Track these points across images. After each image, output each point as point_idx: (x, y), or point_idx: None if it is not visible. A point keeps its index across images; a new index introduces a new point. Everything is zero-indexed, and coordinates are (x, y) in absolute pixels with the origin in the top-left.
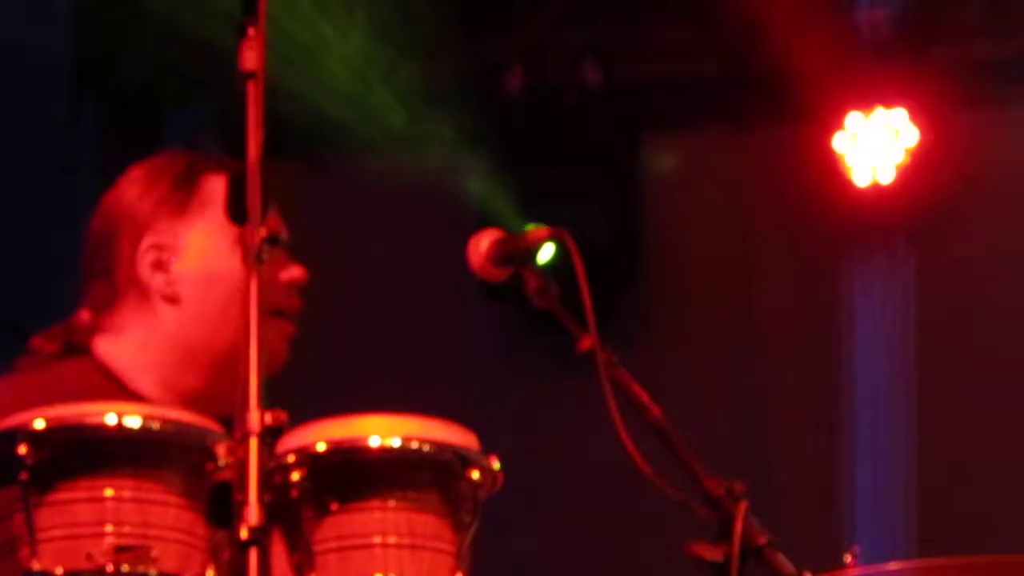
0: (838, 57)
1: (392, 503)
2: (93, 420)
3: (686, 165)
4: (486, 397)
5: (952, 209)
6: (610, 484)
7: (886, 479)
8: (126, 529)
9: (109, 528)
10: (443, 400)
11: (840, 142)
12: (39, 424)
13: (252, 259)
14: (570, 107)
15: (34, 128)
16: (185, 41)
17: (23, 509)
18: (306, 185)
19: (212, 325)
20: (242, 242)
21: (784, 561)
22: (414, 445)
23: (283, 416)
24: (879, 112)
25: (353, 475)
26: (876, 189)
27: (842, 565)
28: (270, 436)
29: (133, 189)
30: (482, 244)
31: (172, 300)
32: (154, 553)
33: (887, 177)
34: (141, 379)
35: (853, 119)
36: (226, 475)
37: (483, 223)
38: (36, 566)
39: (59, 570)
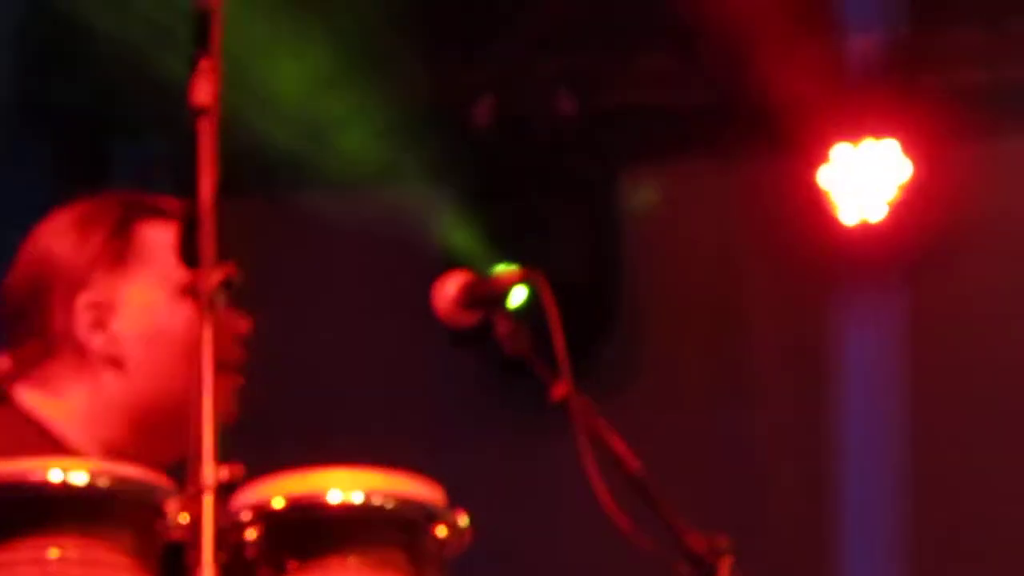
0: (826, 85)
1: (353, 562)
2: (36, 477)
3: (667, 200)
4: (454, 449)
5: (948, 247)
6: (587, 540)
7: (878, 535)
8: None
9: None
10: (407, 453)
11: (827, 176)
12: None
13: (206, 305)
14: (543, 138)
15: None
16: (137, 72)
17: None
18: (262, 222)
19: (159, 385)
20: (194, 287)
21: None
22: (377, 501)
23: (240, 470)
24: (868, 144)
25: (312, 533)
26: (866, 228)
27: None
28: (225, 492)
29: (64, 240)
30: (449, 287)
31: (115, 363)
32: None
33: (877, 215)
34: (77, 436)
35: (841, 151)
36: (179, 533)
37: (450, 264)
38: None
39: None
